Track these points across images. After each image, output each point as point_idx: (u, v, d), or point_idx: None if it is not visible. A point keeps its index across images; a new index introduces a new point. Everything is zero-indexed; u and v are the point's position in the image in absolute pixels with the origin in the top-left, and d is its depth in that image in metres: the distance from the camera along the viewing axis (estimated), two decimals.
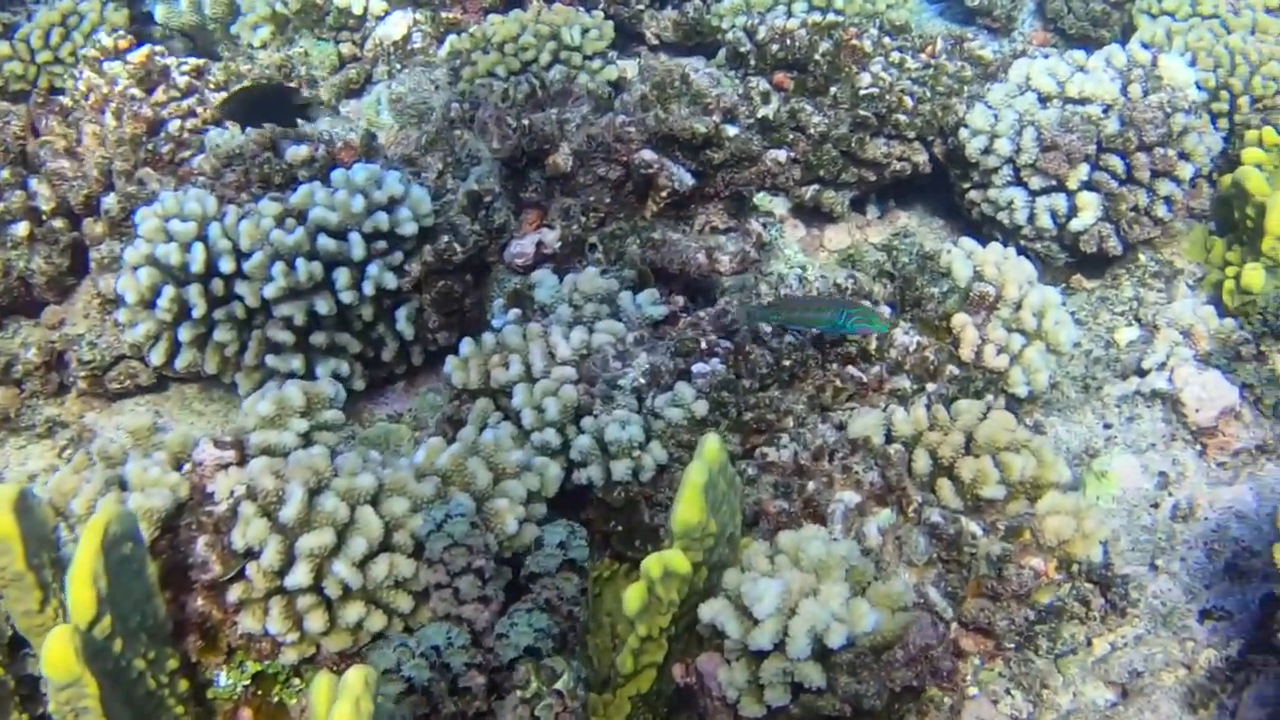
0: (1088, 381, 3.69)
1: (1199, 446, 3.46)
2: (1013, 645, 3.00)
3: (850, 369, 3.23)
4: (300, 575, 2.54)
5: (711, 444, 2.57)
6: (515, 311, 3.32)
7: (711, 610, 2.48)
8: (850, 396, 3.25)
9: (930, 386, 3.30)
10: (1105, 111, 3.83)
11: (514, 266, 3.64)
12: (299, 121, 3.80)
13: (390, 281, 3.47)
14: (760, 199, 4.12)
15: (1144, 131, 3.77)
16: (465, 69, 4.46)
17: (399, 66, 4.79)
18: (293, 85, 4.60)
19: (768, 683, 2.43)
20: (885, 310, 3.34)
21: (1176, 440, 3.47)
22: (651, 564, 2.44)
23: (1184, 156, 3.84)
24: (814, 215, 4.15)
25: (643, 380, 3.07)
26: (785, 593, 2.41)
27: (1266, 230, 3.67)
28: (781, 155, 3.65)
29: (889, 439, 2.93)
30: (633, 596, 2.46)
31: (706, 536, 2.54)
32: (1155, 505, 3.30)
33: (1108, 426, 3.56)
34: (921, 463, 2.85)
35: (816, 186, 4.03)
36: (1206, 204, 4.11)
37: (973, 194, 3.98)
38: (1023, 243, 3.94)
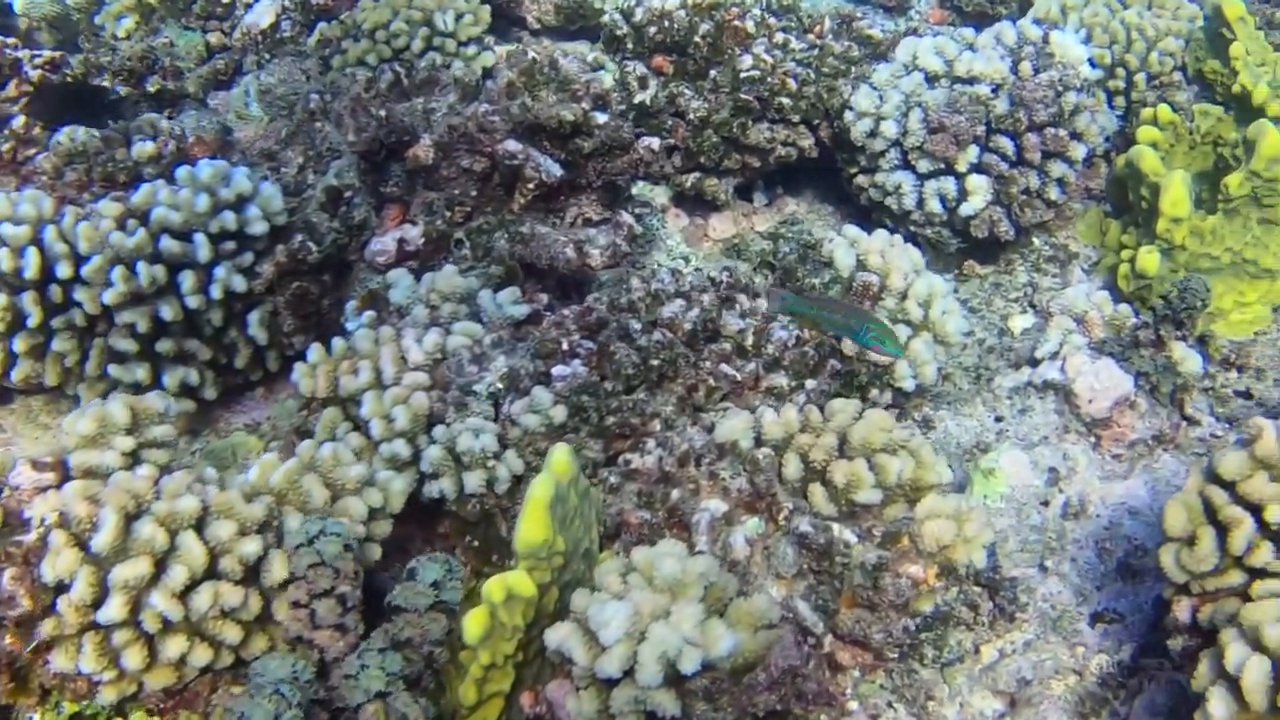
0: (980, 372, 3.54)
1: (1093, 439, 3.32)
2: (895, 656, 2.85)
3: (724, 367, 3.06)
4: (114, 609, 2.34)
5: (559, 455, 2.40)
6: (369, 314, 3.13)
7: (558, 635, 2.30)
8: (725, 396, 3.08)
9: (810, 383, 3.14)
10: (995, 91, 3.68)
11: (376, 265, 3.44)
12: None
13: (239, 284, 3.26)
14: (641, 188, 3.95)
15: (1034, 111, 3.62)
16: (335, 58, 4.24)
17: (268, 56, 4.56)
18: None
19: (619, 712, 2.26)
20: (903, 332, 3.18)
21: (1070, 433, 3.33)
22: (493, 587, 2.27)
23: (1076, 136, 3.70)
24: (698, 204, 3.98)
25: (500, 385, 2.89)
26: (634, 615, 2.24)
27: (1161, 211, 3.53)
28: (655, 143, 3.46)
29: (758, 442, 2.75)
30: (473, 623, 2.29)
31: (554, 555, 2.37)
32: (1045, 503, 3.15)
33: (999, 420, 3.41)
34: (792, 467, 2.69)
35: (698, 174, 3.86)
36: (1105, 185, 3.97)
37: (860, 179, 3.82)
38: (913, 229, 3.79)
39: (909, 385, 3.29)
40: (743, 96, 3.78)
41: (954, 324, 3.33)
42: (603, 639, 2.22)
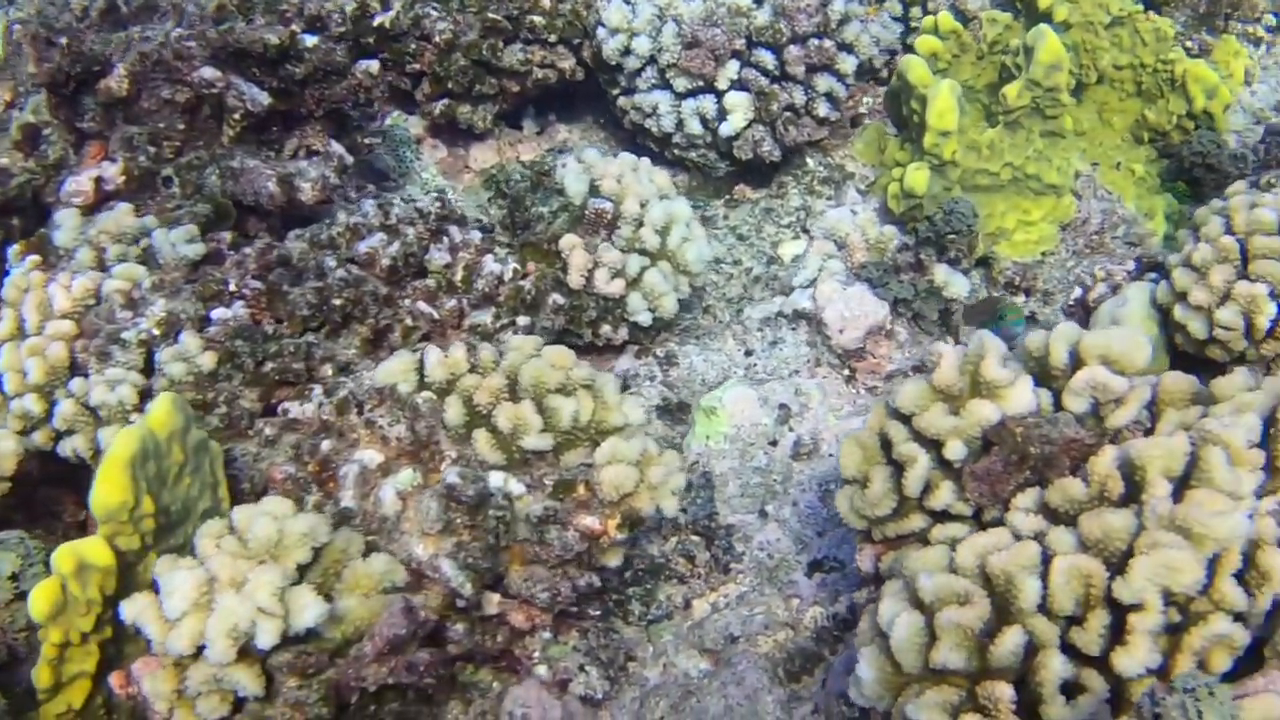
0: (743, 304, 3.29)
1: (846, 371, 3.08)
2: (598, 613, 2.63)
3: (421, 305, 2.80)
4: None
5: (158, 406, 2.16)
6: (32, 258, 2.85)
7: (134, 609, 2.06)
8: (425, 336, 2.83)
9: (523, 320, 2.89)
10: (758, 2, 3.40)
11: (74, 206, 3.16)
12: None
13: None
14: (395, 117, 3.67)
15: (796, 21, 3.35)
16: None
17: None
18: None
19: (197, 693, 2.02)
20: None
21: (821, 365, 3.08)
22: (62, 556, 2.03)
23: (846, 48, 3.43)
24: (460, 133, 3.70)
25: (156, 331, 2.62)
26: (202, 584, 1.99)
27: (928, 125, 3.27)
28: (373, 66, 3.18)
29: (423, 385, 2.50)
30: (39, 597, 2.04)
31: (144, 518, 2.12)
32: (774, 443, 2.91)
33: (749, 354, 3.16)
34: (453, 412, 2.44)
35: (447, 101, 3.57)
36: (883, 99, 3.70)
37: (622, 100, 3.55)
38: (677, 152, 3.52)
39: (644, 319, 3.04)
40: (491, 15, 3.50)
41: (694, 252, 3.08)
42: (166, 611, 1.98)
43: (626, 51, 3.43)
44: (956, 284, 3.12)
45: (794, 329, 3.12)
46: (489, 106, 3.64)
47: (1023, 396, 2.18)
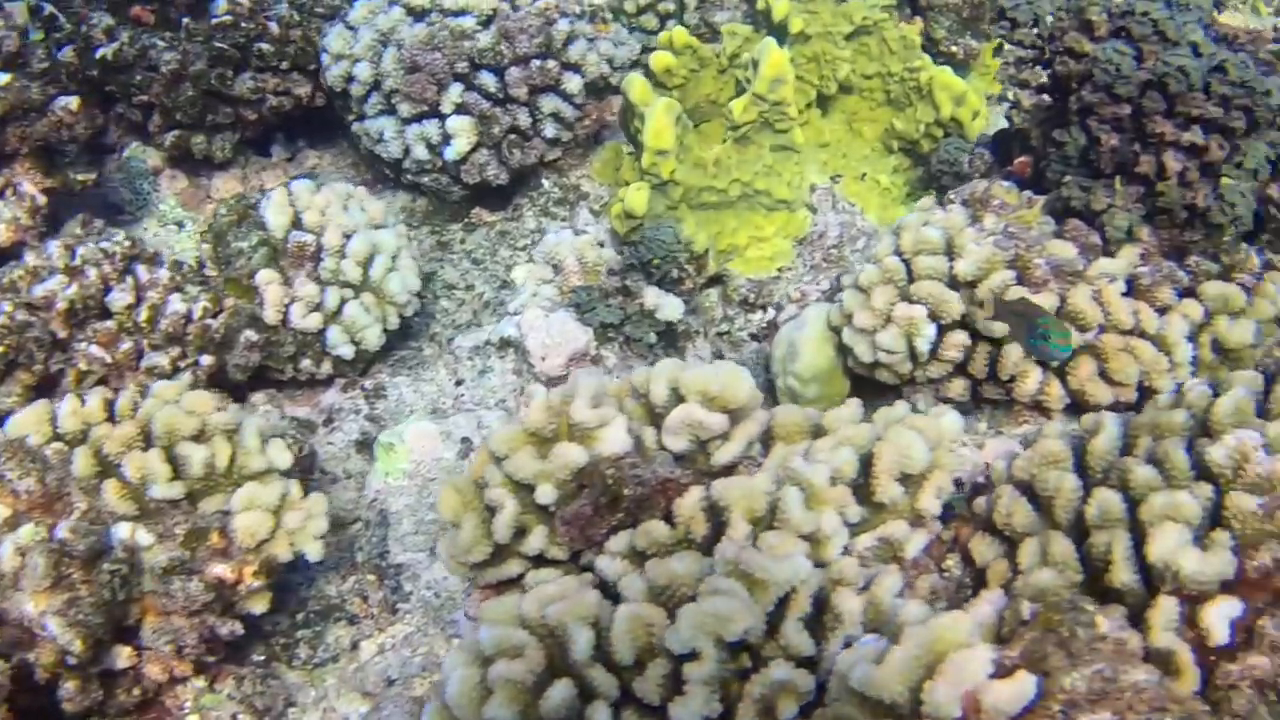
0: (457, 332, 3.26)
1: None
2: (262, 659, 2.60)
3: (94, 349, 2.77)
4: None
5: None
6: None
7: None
8: (102, 381, 2.79)
9: (206, 359, 2.85)
10: (487, 24, 3.36)
11: None
12: None
13: None
14: (134, 149, 3.63)
15: (517, 43, 3.31)
16: None
17: None
18: None
19: None
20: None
21: (525, 395, 3.04)
22: None
23: (572, 68, 3.39)
24: (202, 163, 3.65)
25: None
26: None
27: (645, 145, 3.23)
28: (72, 102, 3.13)
29: (57, 435, 2.46)
30: None
31: None
32: None
33: (459, 383, 3.12)
34: (82, 463, 2.40)
35: (177, 132, 3.52)
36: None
37: (355, 127, 3.51)
38: (410, 177, 3.48)
39: (346, 353, 3.01)
40: (218, 44, 3.45)
41: (398, 282, 3.05)
42: None
43: (350, 78, 3.39)
44: (669, 307, 3.09)
45: (502, 357, 3.08)
46: (228, 136, 3.59)
47: (615, 437, 2.16)
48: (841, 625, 1.95)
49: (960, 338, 2.57)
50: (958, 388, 2.64)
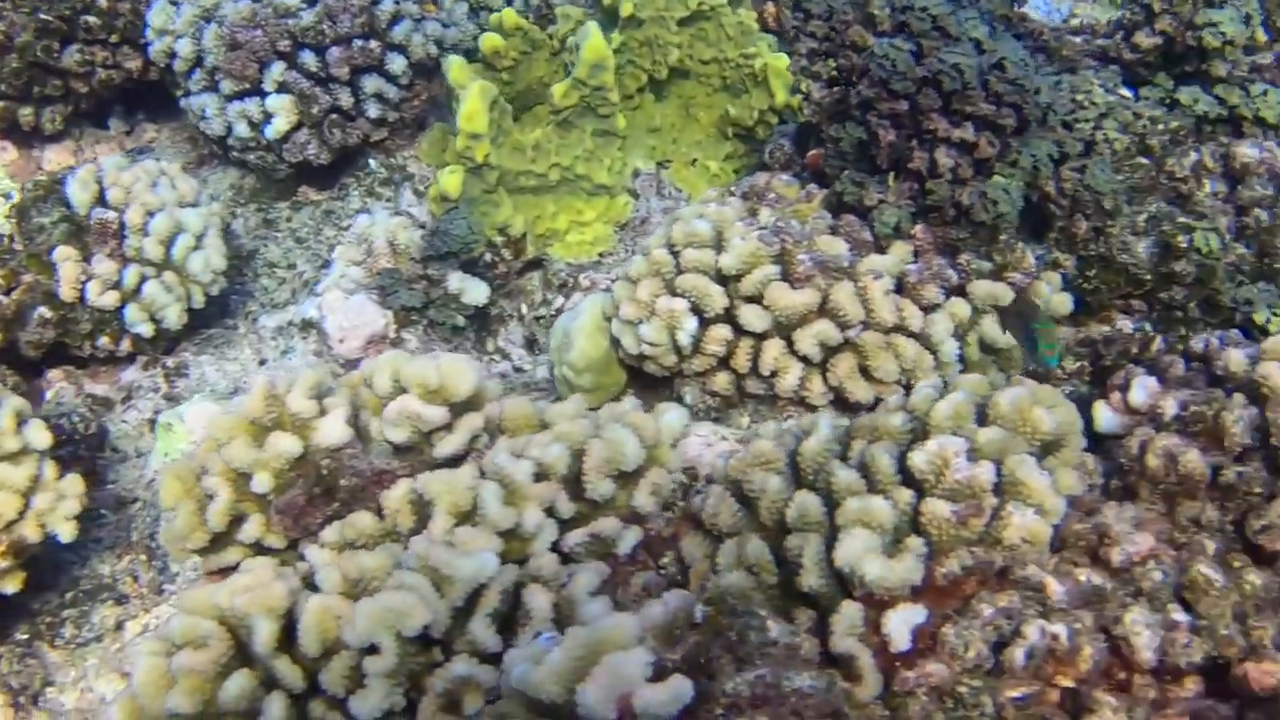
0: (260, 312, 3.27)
1: None
2: (25, 638, 2.62)
3: None
4: None
5: None
6: None
7: None
8: None
9: None
10: (312, 3, 3.35)
11: None
12: None
13: None
14: None
15: (339, 22, 3.30)
16: None
17: None
18: None
19: None
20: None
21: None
22: None
23: (396, 48, 3.38)
24: (33, 135, 3.64)
25: None
26: None
27: (460, 127, 3.23)
28: None
29: None
30: None
31: None
32: None
33: (263, 363, 3.14)
34: None
35: (3, 103, 3.51)
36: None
37: (182, 102, 3.50)
38: (235, 154, 3.48)
39: (145, 331, 3.02)
40: (44, 16, 3.44)
41: (200, 262, 3.06)
42: None
43: (173, 54, 3.38)
44: (474, 291, 3.10)
45: (305, 338, 3.09)
46: (58, 108, 3.59)
47: (332, 428, 2.17)
48: (531, 622, 1.97)
49: (722, 332, 2.57)
50: (722, 381, 2.64)
